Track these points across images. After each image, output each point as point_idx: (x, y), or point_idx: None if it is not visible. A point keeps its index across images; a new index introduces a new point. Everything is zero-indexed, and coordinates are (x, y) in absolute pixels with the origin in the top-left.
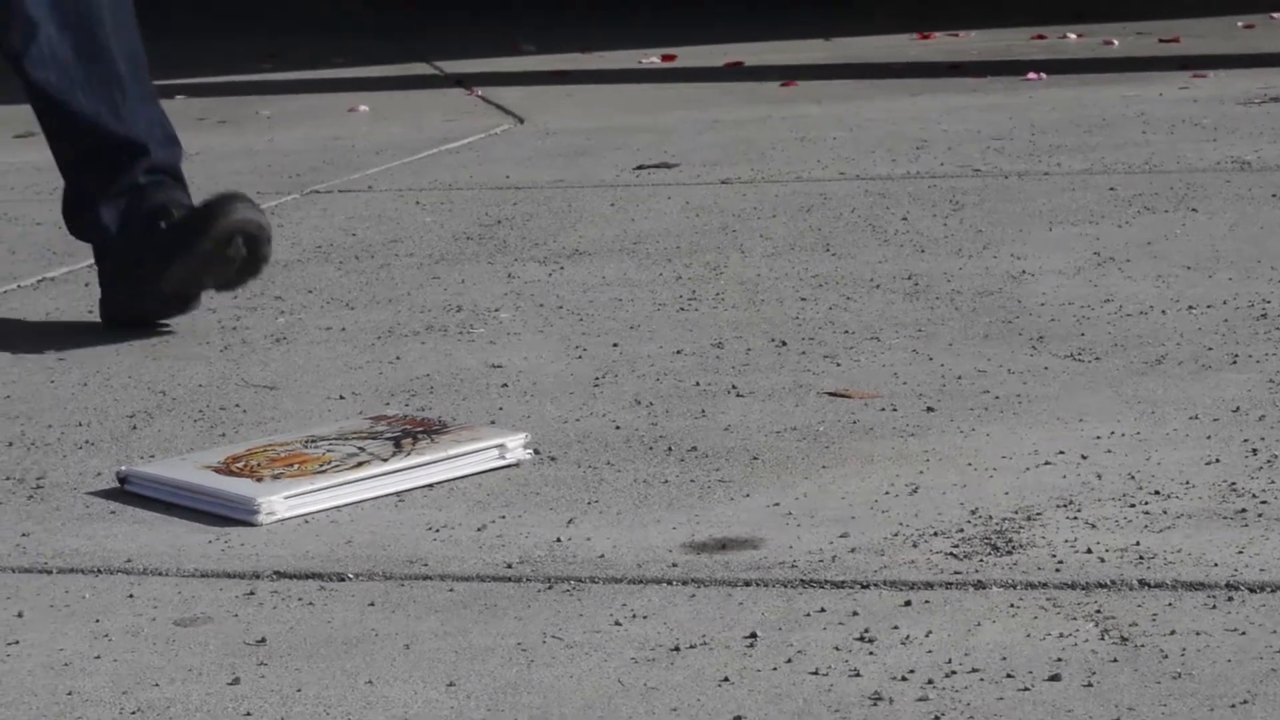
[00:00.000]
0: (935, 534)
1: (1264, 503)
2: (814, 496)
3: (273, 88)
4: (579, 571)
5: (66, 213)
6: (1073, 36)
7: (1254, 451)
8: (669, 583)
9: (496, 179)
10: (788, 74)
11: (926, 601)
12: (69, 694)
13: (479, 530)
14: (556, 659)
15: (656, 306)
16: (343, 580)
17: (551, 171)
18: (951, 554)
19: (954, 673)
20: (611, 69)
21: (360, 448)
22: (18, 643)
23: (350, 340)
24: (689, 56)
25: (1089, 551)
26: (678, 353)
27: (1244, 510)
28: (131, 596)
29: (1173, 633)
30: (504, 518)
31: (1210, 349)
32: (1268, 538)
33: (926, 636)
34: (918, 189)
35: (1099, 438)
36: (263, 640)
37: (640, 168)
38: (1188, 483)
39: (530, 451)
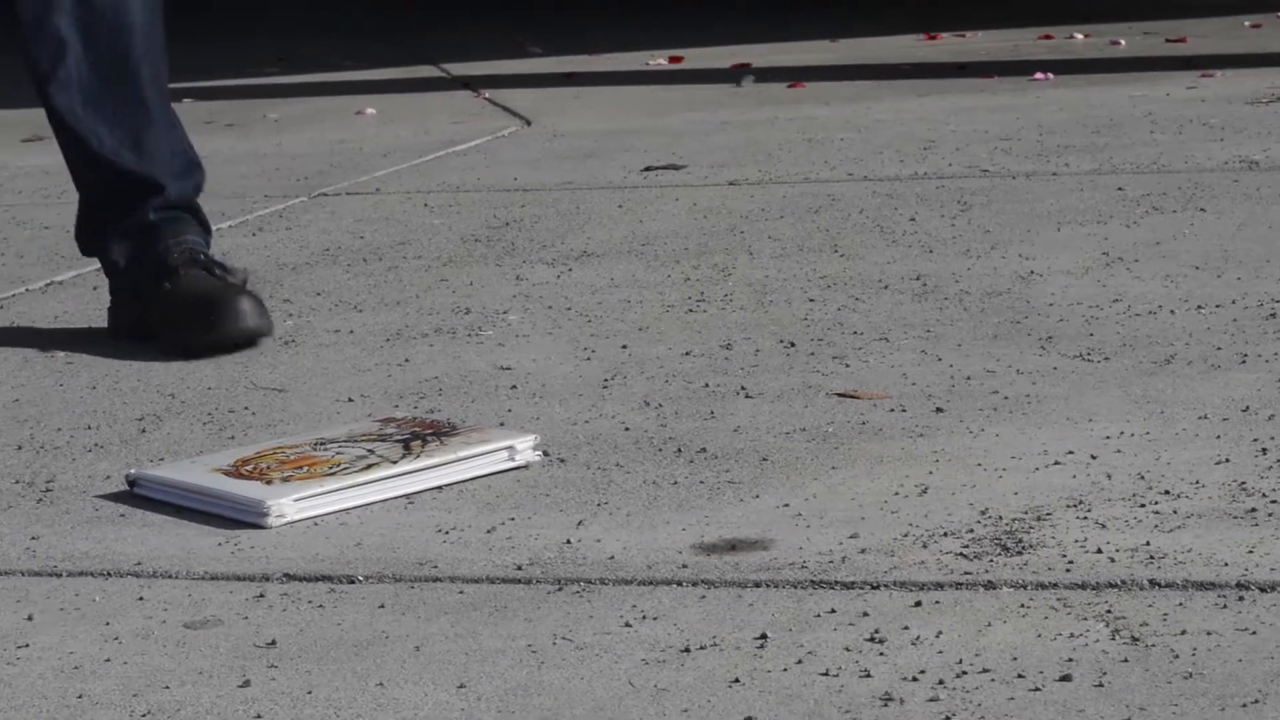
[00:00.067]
0: (945, 534)
1: (1274, 502)
2: (823, 497)
3: (280, 91)
4: (589, 573)
5: (78, 233)
6: (1080, 37)
7: (1264, 451)
8: (679, 584)
9: (504, 181)
10: (795, 75)
11: (937, 602)
12: (79, 697)
13: (489, 532)
14: (567, 660)
15: (665, 308)
16: (353, 582)
17: (559, 173)
18: (962, 554)
19: (965, 673)
20: (619, 71)
21: (369, 450)
22: (28, 646)
23: (359, 343)
24: (696, 58)
25: (1099, 551)
26: (686, 354)
27: (1254, 510)
28: (141, 599)
29: (1184, 632)
30: (513, 519)
31: (1219, 349)
32: (1278, 537)
33: (937, 637)
34: (926, 190)
35: (1108, 438)
36: (273, 643)
37: (648, 169)
38: (1198, 482)
39: (539, 453)
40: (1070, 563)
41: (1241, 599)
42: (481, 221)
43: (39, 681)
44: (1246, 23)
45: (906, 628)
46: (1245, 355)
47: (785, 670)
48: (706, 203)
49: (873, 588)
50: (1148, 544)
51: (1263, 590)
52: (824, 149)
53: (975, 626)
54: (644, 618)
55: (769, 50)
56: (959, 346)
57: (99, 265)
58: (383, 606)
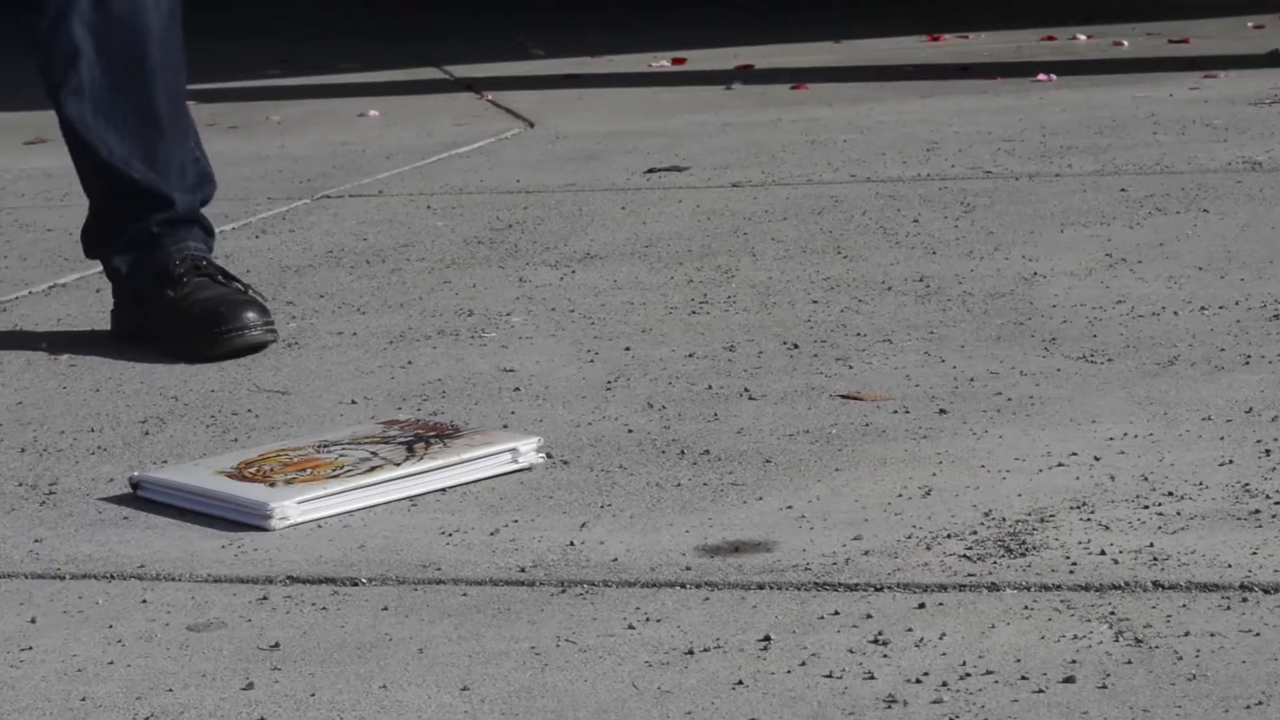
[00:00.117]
0: (949, 536)
1: (1278, 504)
2: (827, 499)
3: (283, 93)
4: (592, 575)
5: (84, 235)
6: (1082, 38)
7: (1267, 452)
8: (682, 586)
9: (507, 183)
10: (797, 76)
11: (940, 604)
12: (82, 700)
13: (492, 534)
14: (570, 663)
15: (668, 310)
16: (356, 585)
17: (562, 175)
18: (965, 556)
19: (968, 675)
20: (622, 73)
21: (373, 452)
22: (31, 648)
23: (362, 345)
24: (699, 60)
25: (1103, 553)
26: (690, 356)
27: (1258, 511)
28: (145, 602)
29: (1187, 634)
30: (517, 522)
31: (1223, 350)
32: None
33: (940, 639)
34: (929, 191)
35: (1112, 439)
36: (276, 645)
37: (651, 171)
38: (1201, 484)
39: (543, 455)
40: (1074, 564)
41: (1245, 600)
42: (484, 223)
43: (42, 684)
44: (1249, 23)
45: (910, 629)
46: (1249, 356)
47: (789, 672)
48: (709, 204)
49: (876, 589)
50: (1151, 545)
51: (1266, 592)
52: (827, 150)
53: (979, 628)
54: (647, 620)
55: (771, 51)
56: (962, 348)
57: (101, 268)
58: (386, 609)
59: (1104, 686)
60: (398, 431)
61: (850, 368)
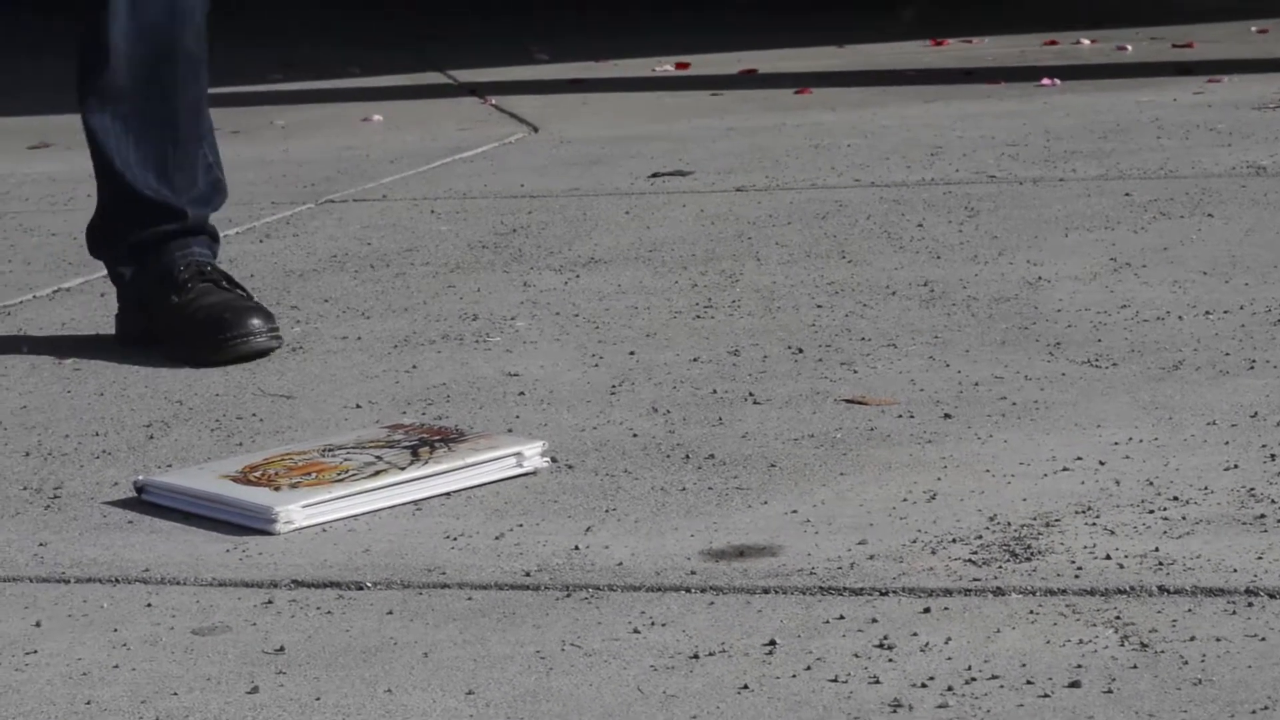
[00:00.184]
0: (954, 541)
1: None
2: (832, 504)
3: (287, 98)
4: (597, 579)
5: (90, 233)
6: (1086, 42)
7: (1272, 457)
8: (687, 590)
9: (511, 188)
10: (801, 81)
11: (946, 608)
12: (87, 703)
13: (497, 538)
14: (575, 667)
15: (672, 314)
16: (361, 589)
17: (566, 180)
18: (970, 561)
19: (974, 679)
20: (626, 77)
21: (377, 456)
22: (36, 652)
23: (366, 349)
24: (703, 64)
25: (1108, 558)
26: (694, 360)
27: (1263, 516)
28: (149, 606)
29: (1192, 639)
30: (522, 526)
31: (1227, 354)
32: None
33: (946, 643)
34: (933, 196)
35: (1117, 444)
36: (281, 649)
37: (655, 176)
38: (1206, 488)
39: (547, 460)
40: (1079, 569)
41: (1250, 605)
42: (489, 228)
43: (47, 688)
44: (1253, 28)
45: (915, 634)
46: (1254, 361)
47: (794, 676)
48: (714, 209)
49: (881, 594)
50: (1156, 550)
51: (1272, 596)
52: (831, 155)
53: (984, 633)
54: (652, 624)
55: (775, 56)
56: (967, 352)
57: (105, 272)
58: (391, 613)
59: (1109, 691)
60: (402, 436)
61: (855, 372)
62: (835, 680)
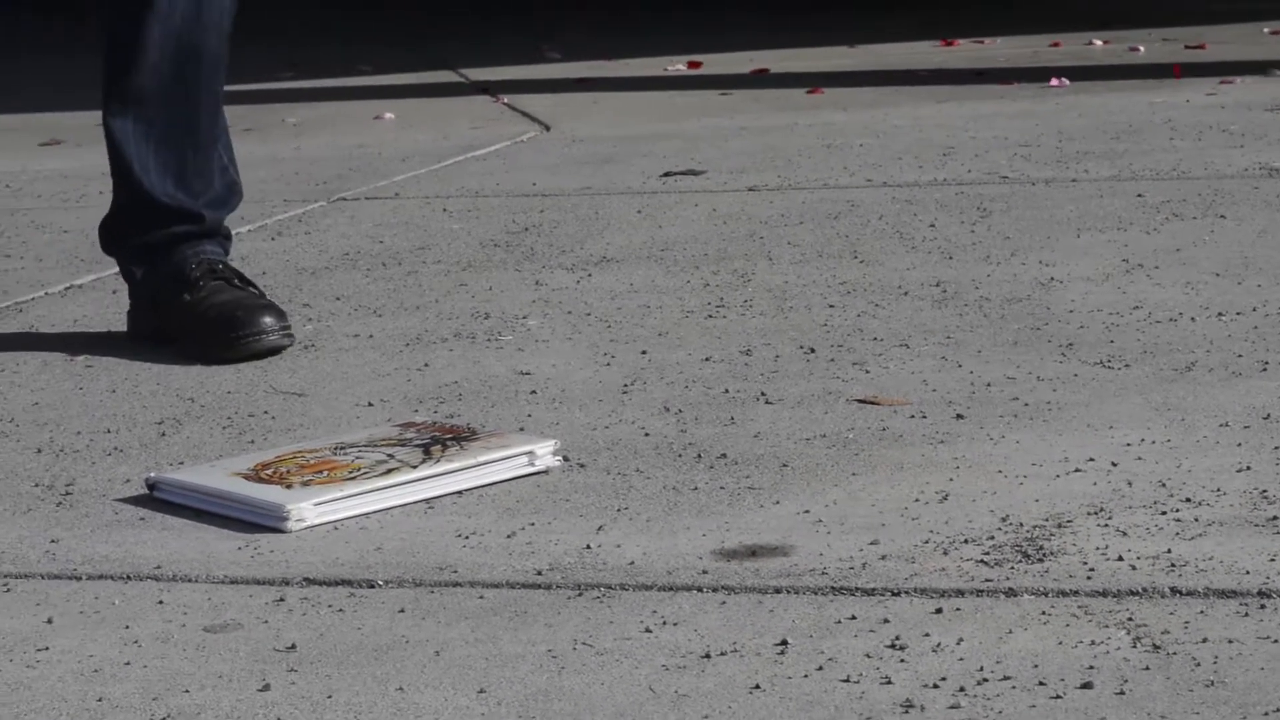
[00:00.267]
0: (966, 541)
1: None
2: (844, 504)
3: (299, 95)
4: (609, 578)
5: (103, 230)
6: (1099, 43)
7: None
8: (699, 590)
9: (523, 186)
10: (813, 81)
11: (958, 609)
12: (99, 700)
13: (509, 537)
14: (587, 666)
15: (685, 314)
16: (373, 587)
17: (578, 179)
18: (982, 561)
19: (986, 680)
20: (637, 76)
21: (389, 454)
22: (48, 649)
23: (378, 347)
24: (715, 64)
25: (1120, 559)
26: (706, 360)
27: (1276, 518)
28: (161, 603)
29: (1205, 640)
30: (533, 524)
31: (1240, 356)
32: None
33: (958, 644)
34: (945, 196)
35: (1129, 445)
36: (293, 647)
37: (667, 175)
38: (1219, 490)
39: (559, 458)
40: (1091, 570)
41: (1263, 607)
42: (500, 226)
43: (59, 684)
44: (1266, 29)
45: (927, 634)
46: (1266, 363)
47: (806, 676)
48: (726, 208)
49: (893, 594)
50: (1169, 551)
51: None
52: (843, 155)
53: (996, 633)
54: (664, 623)
55: (787, 55)
56: (979, 353)
57: (118, 270)
58: (403, 611)
59: (1122, 693)
60: (414, 434)
61: (867, 372)
62: (847, 680)
